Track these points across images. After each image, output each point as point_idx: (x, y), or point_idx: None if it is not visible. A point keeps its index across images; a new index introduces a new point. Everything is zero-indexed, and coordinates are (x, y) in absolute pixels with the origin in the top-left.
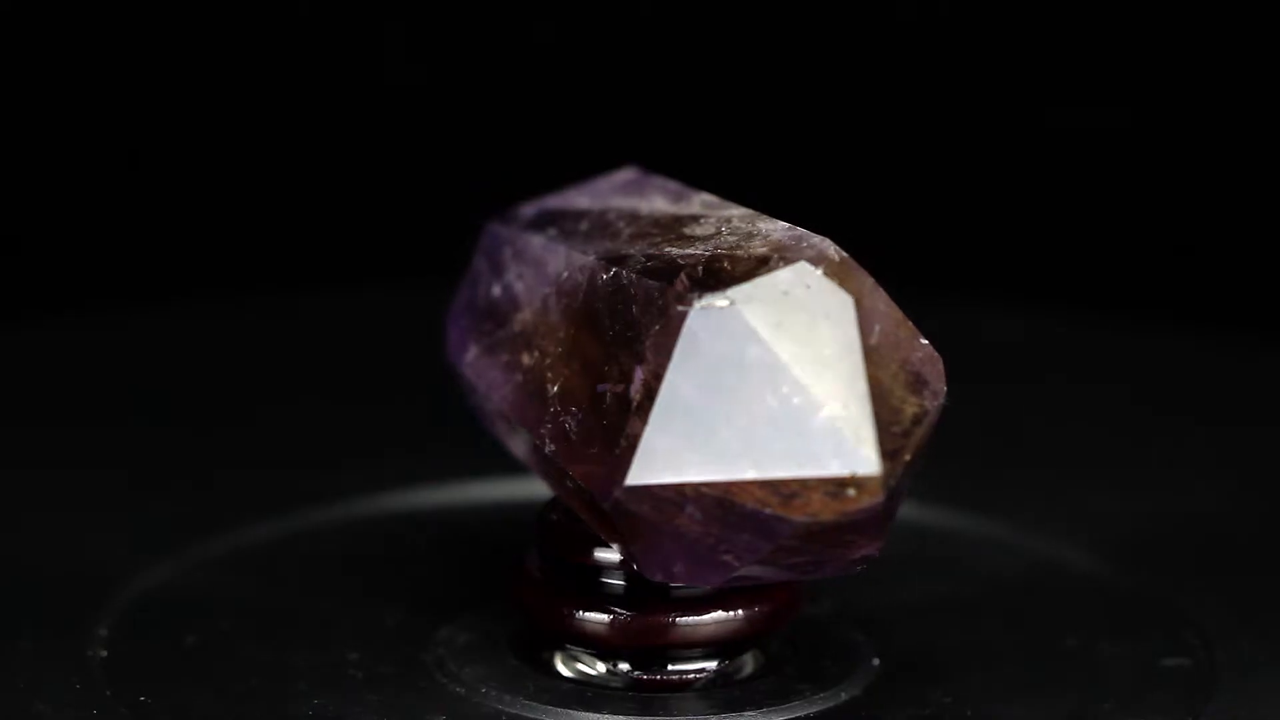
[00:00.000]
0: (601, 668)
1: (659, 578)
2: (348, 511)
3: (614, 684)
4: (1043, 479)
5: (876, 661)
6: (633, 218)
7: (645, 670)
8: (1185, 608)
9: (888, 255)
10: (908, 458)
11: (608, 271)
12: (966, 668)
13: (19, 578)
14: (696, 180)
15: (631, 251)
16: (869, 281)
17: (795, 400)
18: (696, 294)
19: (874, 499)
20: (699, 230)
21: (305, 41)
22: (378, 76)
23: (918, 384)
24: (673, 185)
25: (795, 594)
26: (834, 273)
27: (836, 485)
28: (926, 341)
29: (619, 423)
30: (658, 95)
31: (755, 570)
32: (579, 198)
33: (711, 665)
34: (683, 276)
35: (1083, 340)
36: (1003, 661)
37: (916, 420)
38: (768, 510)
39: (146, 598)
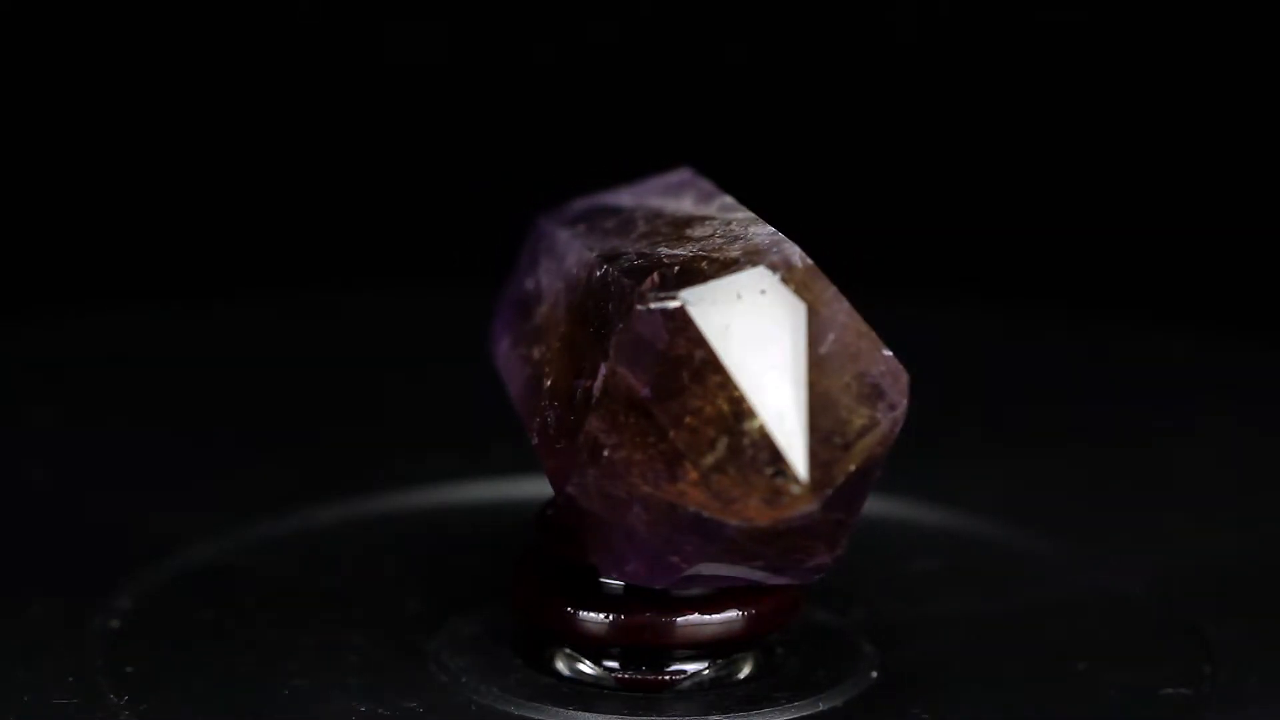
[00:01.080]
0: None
1: (614, 576)
2: (348, 511)
3: (606, 683)
4: (1112, 501)
5: (875, 674)
6: (654, 217)
7: (627, 670)
8: (1214, 640)
9: (903, 260)
10: (851, 468)
11: (600, 268)
12: (962, 686)
13: (40, 562)
14: (736, 184)
15: (629, 250)
16: (830, 290)
17: (742, 405)
18: (654, 293)
19: (807, 506)
20: (699, 232)
21: (323, 35)
22: (420, 74)
23: (873, 395)
24: (708, 187)
25: (788, 599)
26: (792, 279)
27: (771, 491)
28: (890, 354)
29: (581, 418)
30: (728, 99)
31: (710, 570)
32: (624, 195)
33: (694, 667)
34: (654, 275)
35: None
36: (1002, 681)
37: (863, 431)
38: (708, 514)
39: (164, 583)
